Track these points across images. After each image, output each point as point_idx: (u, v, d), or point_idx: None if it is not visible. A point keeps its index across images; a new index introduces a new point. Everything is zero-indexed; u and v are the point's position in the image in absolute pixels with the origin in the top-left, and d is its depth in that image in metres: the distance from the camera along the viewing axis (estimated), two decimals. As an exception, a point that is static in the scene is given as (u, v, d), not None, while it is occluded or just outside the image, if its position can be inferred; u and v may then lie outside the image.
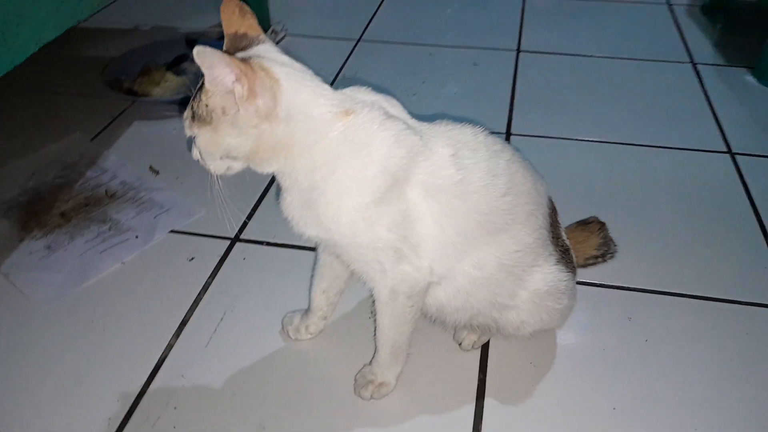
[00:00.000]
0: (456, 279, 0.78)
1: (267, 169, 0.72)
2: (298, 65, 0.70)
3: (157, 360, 0.93)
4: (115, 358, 0.94)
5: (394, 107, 0.75)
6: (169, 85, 1.58)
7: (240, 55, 0.68)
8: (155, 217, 1.19)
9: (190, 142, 0.73)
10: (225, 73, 0.62)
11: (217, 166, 0.72)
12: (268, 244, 1.14)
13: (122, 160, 1.35)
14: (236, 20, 0.71)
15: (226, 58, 0.61)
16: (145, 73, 1.60)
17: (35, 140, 1.41)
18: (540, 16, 2.05)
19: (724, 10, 2.05)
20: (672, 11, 2.07)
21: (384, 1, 2.14)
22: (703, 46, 1.85)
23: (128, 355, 0.94)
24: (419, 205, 0.72)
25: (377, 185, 0.69)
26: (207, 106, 0.66)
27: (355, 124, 0.69)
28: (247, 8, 0.72)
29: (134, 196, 1.25)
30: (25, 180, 1.29)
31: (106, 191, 1.26)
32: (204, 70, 0.62)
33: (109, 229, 1.17)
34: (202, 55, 0.60)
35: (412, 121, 0.75)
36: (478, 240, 0.76)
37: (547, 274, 0.82)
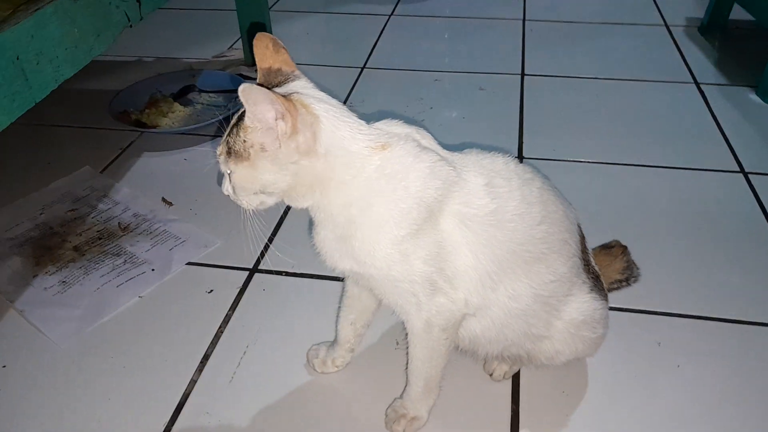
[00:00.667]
0: (491, 310, 0.77)
1: (302, 204, 0.71)
2: (334, 101, 0.70)
3: (180, 397, 0.91)
4: (137, 396, 0.92)
5: (425, 138, 0.75)
6: (177, 115, 1.58)
7: (278, 90, 0.67)
8: (171, 249, 1.18)
9: (219, 176, 0.72)
10: (268, 110, 0.61)
11: (250, 201, 0.71)
12: (287, 274, 1.13)
13: (134, 192, 1.34)
14: (270, 55, 0.71)
15: (270, 95, 0.60)
16: (152, 104, 1.59)
17: (45, 175, 1.39)
18: (540, 40, 2.07)
19: (722, 30, 2.08)
20: (670, 32, 2.10)
21: (385, 29, 2.16)
22: (704, 67, 1.86)
23: (150, 392, 0.92)
24: (454, 235, 0.72)
25: (413, 217, 0.68)
26: (245, 141, 0.65)
27: (391, 157, 0.68)
28: (280, 43, 0.72)
29: (148, 229, 1.23)
30: (36, 215, 1.27)
31: (119, 224, 1.25)
32: (247, 106, 0.62)
33: (124, 262, 1.15)
34: (247, 92, 0.59)
35: (444, 152, 0.75)
36: (513, 270, 0.75)
37: (582, 303, 0.81)
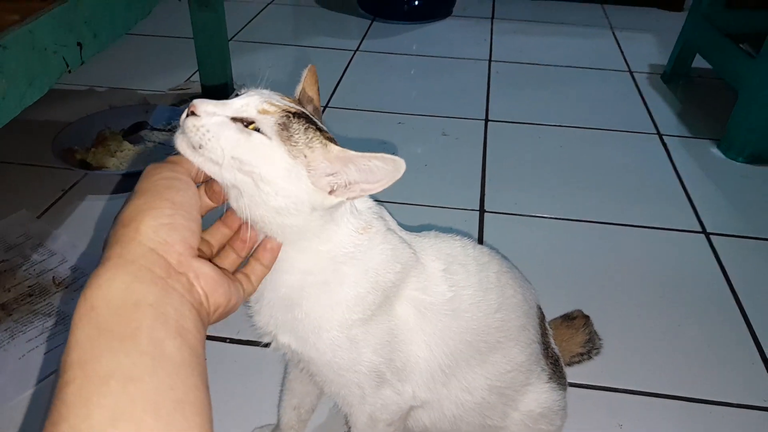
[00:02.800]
0: (442, 403, 0.72)
1: (264, 227, 0.57)
2: None
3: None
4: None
5: (386, 216, 0.70)
6: (126, 155, 1.50)
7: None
8: (107, 309, 1.09)
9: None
10: (361, 178, 0.56)
11: (217, 169, 0.53)
12: (232, 341, 1.06)
13: (73, 240, 1.25)
14: (311, 85, 0.65)
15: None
16: (99, 142, 1.51)
17: (-25, 218, 1.30)
18: (506, 82, 2.05)
19: (684, 78, 2.09)
20: (634, 79, 2.11)
21: (350, 65, 2.12)
22: (667, 117, 1.87)
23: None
24: (409, 323, 0.67)
25: (369, 301, 0.63)
26: (311, 140, 0.55)
27: (368, 239, 0.63)
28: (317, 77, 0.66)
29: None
30: (-39, 265, 1.18)
31: (53, 278, 1.16)
32: (366, 162, 0.55)
33: (56, 324, 1.06)
34: (394, 163, 0.54)
35: (403, 233, 0.70)
36: (468, 361, 0.70)
37: (541, 393, 0.77)
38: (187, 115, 0.53)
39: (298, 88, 0.64)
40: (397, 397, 0.69)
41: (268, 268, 0.59)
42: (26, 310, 1.09)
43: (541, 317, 0.81)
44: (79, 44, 1.03)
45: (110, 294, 0.41)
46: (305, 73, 0.65)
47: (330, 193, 0.56)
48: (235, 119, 0.53)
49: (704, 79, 2.10)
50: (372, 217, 0.64)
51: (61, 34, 0.97)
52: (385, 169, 0.55)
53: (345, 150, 0.55)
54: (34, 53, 0.92)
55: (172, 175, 0.51)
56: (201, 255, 0.50)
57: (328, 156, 0.55)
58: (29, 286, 1.14)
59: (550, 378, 0.78)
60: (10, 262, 1.20)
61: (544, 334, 0.81)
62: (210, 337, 1.05)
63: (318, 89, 0.66)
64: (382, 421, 0.70)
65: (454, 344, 0.69)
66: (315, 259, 0.61)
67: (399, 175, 0.55)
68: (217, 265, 0.51)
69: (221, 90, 1.79)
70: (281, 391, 0.87)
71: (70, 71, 1.01)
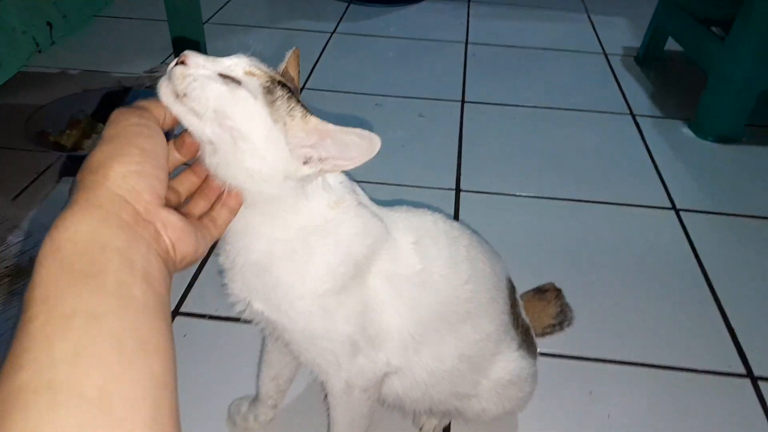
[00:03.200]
0: (414, 371, 0.74)
1: (232, 173, 0.56)
2: None
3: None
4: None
5: (358, 191, 0.71)
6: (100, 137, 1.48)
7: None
8: (85, 289, 1.10)
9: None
10: (339, 156, 0.57)
11: (197, 121, 0.53)
12: (211, 317, 1.07)
13: (48, 222, 1.24)
14: (294, 65, 0.64)
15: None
16: (73, 124, 1.49)
17: (-52, 201, 1.29)
18: (482, 65, 2.07)
19: (657, 61, 2.13)
20: (609, 61, 2.13)
21: (326, 47, 2.12)
22: (640, 98, 1.90)
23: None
24: (380, 294, 0.68)
25: (340, 273, 0.64)
26: (292, 109, 0.55)
27: (340, 214, 0.63)
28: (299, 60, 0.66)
29: (61, 265, 1.15)
30: (-65, 248, 1.17)
31: (29, 259, 1.16)
32: (345, 137, 0.56)
33: (32, 304, 1.06)
34: (369, 140, 0.55)
35: (374, 207, 0.71)
36: (438, 331, 0.72)
37: (510, 362, 0.79)
38: (176, 64, 0.53)
39: (281, 67, 0.64)
40: (372, 365, 0.70)
41: (234, 212, 0.57)
42: (4, 291, 1.09)
43: (511, 289, 0.83)
44: (49, 24, 1.02)
45: (76, 236, 0.40)
46: (289, 54, 0.65)
47: (304, 164, 0.57)
48: (222, 75, 0.54)
49: (676, 62, 2.13)
50: (344, 192, 0.65)
51: (30, 14, 0.96)
52: (360, 145, 0.56)
53: (324, 122, 0.56)
54: (2, 33, 0.91)
55: (140, 121, 0.49)
56: (168, 204, 0.49)
57: (306, 127, 0.56)
58: (6, 267, 1.14)
59: (520, 347, 0.81)
60: (-15, 244, 1.19)
61: (513, 305, 0.83)
62: (190, 314, 1.07)
63: (299, 72, 0.66)
64: (357, 388, 0.71)
65: (425, 314, 0.70)
66: (283, 227, 0.61)
67: (374, 153, 0.56)
68: (183, 214, 0.50)
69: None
70: (259, 363, 0.88)
71: (40, 51, 1.00)
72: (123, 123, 0.49)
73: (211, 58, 0.54)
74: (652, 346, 1.06)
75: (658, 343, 1.07)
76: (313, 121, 0.56)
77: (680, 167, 1.57)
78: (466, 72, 2.01)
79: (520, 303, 0.87)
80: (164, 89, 0.53)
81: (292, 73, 0.64)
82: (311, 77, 1.91)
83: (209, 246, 0.54)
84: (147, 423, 0.35)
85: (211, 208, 0.57)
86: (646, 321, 1.11)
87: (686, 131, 1.72)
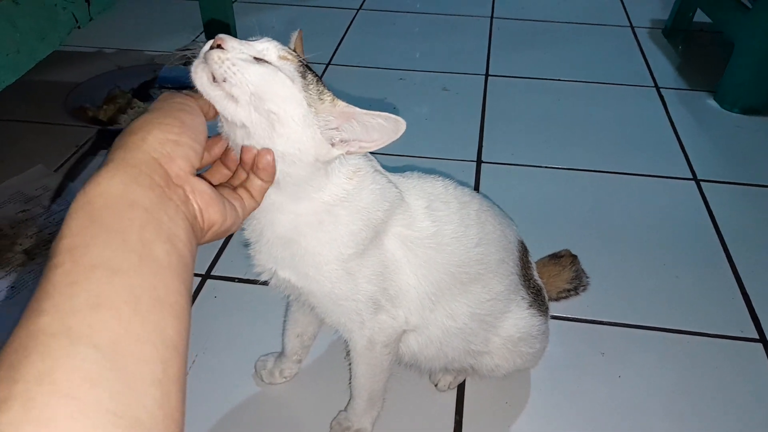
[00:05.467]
0: (429, 329, 0.78)
1: (271, 144, 0.57)
2: None
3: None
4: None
5: (370, 157, 0.75)
6: (136, 112, 1.55)
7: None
8: (123, 254, 1.16)
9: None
10: (364, 136, 0.60)
11: (233, 106, 0.54)
12: (240, 280, 1.13)
13: (87, 192, 1.31)
14: (300, 47, 0.67)
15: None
16: (110, 100, 1.56)
17: (-4, 172, 1.37)
18: (507, 39, 2.08)
19: (685, 33, 2.10)
20: (635, 34, 2.12)
21: (352, 24, 2.15)
22: (666, 70, 1.89)
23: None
24: (397, 255, 0.72)
25: (362, 237, 0.68)
26: (321, 93, 0.59)
27: (358, 183, 0.67)
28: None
29: (101, 232, 1.21)
30: (-15, 215, 1.25)
31: (71, 226, 1.23)
32: (372, 120, 0.59)
33: (75, 267, 1.13)
34: (393, 121, 0.58)
35: (389, 175, 0.75)
36: (451, 290, 0.76)
37: (519, 320, 0.83)
38: (211, 48, 0.54)
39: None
40: (392, 321, 0.75)
41: (269, 179, 0.58)
42: (48, 255, 1.16)
43: (523, 251, 0.87)
44: (87, 1, 1.07)
45: (108, 191, 0.42)
46: (294, 36, 0.67)
47: (331, 146, 0.60)
48: (256, 59, 0.55)
49: (704, 33, 2.11)
50: (359, 160, 0.68)
51: (69, -10, 1.02)
52: (386, 128, 0.59)
53: (350, 106, 0.59)
54: (44, 9, 0.97)
55: (185, 100, 0.52)
56: None
57: (334, 111, 0.59)
58: (49, 233, 1.21)
59: (531, 305, 0.84)
60: (31, 212, 1.27)
61: (525, 267, 0.86)
62: (220, 277, 1.13)
63: (303, 52, 0.68)
64: (379, 343, 0.76)
65: (438, 275, 0.75)
66: (309, 204, 0.65)
67: (398, 135, 0.59)
68: (214, 187, 0.51)
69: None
70: (284, 322, 0.94)
71: (79, 27, 1.06)
72: (169, 99, 0.52)
73: (244, 42, 0.56)
74: (666, 312, 1.09)
75: (672, 309, 1.09)
76: (341, 104, 0.60)
77: (703, 138, 1.57)
78: (491, 46, 2.02)
79: (533, 265, 0.91)
80: (200, 73, 0.54)
81: (299, 50, 0.67)
82: (337, 53, 1.94)
83: (247, 215, 0.57)
84: (153, 382, 0.36)
85: (245, 180, 0.58)
86: (662, 287, 1.14)
87: (711, 103, 1.72)
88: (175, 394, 0.37)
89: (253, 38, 0.60)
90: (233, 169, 0.60)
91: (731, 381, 0.97)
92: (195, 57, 0.56)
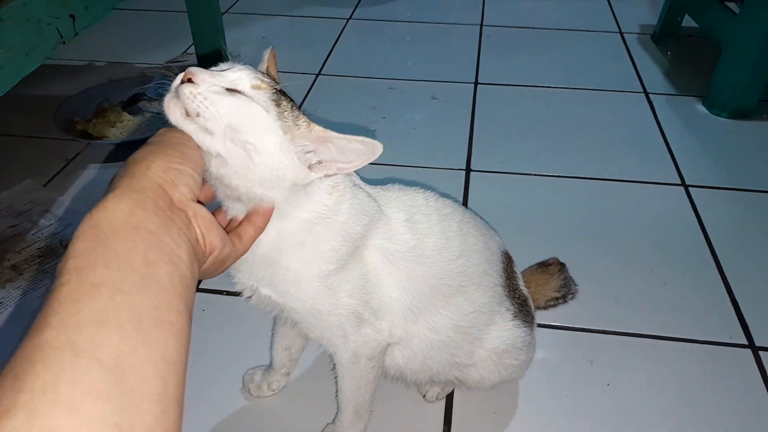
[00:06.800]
0: (413, 342, 0.78)
1: (241, 187, 0.59)
2: None
3: (113, 424, 0.90)
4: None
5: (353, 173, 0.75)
6: (126, 125, 1.55)
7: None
8: (111, 268, 1.16)
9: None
10: (342, 161, 0.61)
11: (209, 138, 0.55)
12: (228, 293, 1.13)
13: (77, 207, 1.32)
14: (273, 65, 0.68)
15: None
16: (99, 113, 1.56)
17: (-16, 187, 1.37)
18: (496, 46, 2.08)
19: (674, 39, 2.11)
20: (624, 40, 2.13)
21: (342, 33, 2.15)
22: (654, 76, 1.90)
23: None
24: (378, 268, 0.72)
25: (342, 253, 0.68)
26: (297, 119, 0.59)
27: (338, 198, 0.67)
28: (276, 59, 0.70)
29: (89, 246, 1.21)
30: (-27, 231, 1.25)
31: (60, 241, 1.23)
32: (345, 144, 0.59)
33: (63, 282, 1.13)
34: (369, 145, 0.59)
35: (368, 187, 0.75)
36: (433, 303, 0.76)
37: (504, 331, 0.83)
38: (182, 82, 0.54)
39: (261, 67, 0.66)
40: (376, 334, 0.75)
41: (260, 230, 0.61)
42: (36, 270, 1.16)
43: (507, 262, 0.86)
44: (72, 16, 1.08)
45: (113, 215, 0.44)
46: (267, 54, 0.67)
47: (309, 169, 0.61)
48: (229, 90, 0.56)
49: (693, 39, 2.12)
50: (338, 176, 0.67)
51: (54, 6, 1.02)
52: (362, 151, 0.59)
53: (327, 131, 0.60)
54: (29, 25, 0.98)
55: (184, 136, 0.54)
56: None
57: (310, 136, 0.59)
58: (38, 248, 1.21)
59: (515, 316, 0.84)
60: (20, 227, 1.27)
61: (510, 277, 0.86)
62: (208, 290, 1.13)
63: (277, 71, 0.69)
64: (364, 356, 0.76)
65: (419, 287, 0.75)
66: (290, 223, 0.65)
67: (375, 157, 0.59)
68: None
69: (215, 62, 1.83)
70: (272, 335, 0.94)
71: (64, 42, 1.06)
72: (169, 134, 0.54)
73: (215, 73, 0.57)
74: (654, 319, 1.09)
75: (660, 316, 1.09)
76: (318, 129, 0.60)
77: (692, 143, 1.58)
78: (480, 54, 2.03)
79: (519, 275, 0.91)
80: (173, 108, 0.54)
81: (272, 73, 0.68)
82: (327, 63, 1.95)
83: (236, 258, 0.58)
84: (153, 399, 0.37)
85: (238, 225, 0.60)
86: (650, 294, 1.14)
87: (700, 108, 1.72)
88: (173, 411, 0.39)
89: (225, 66, 0.60)
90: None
91: (721, 387, 0.97)
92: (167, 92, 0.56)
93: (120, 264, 0.41)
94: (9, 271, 1.16)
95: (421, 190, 0.77)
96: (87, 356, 0.35)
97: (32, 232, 1.26)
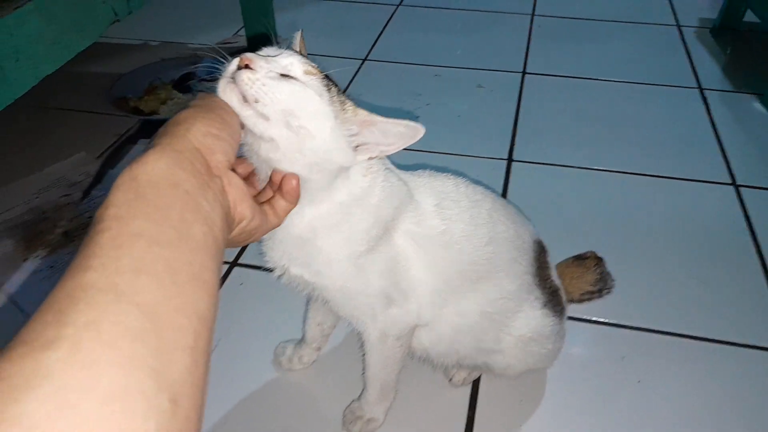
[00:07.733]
0: (440, 325, 0.79)
1: (293, 167, 0.59)
2: None
3: (150, 387, 0.94)
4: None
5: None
6: (176, 103, 1.60)
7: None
8: (155, 239, 1.20)
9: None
10: (382, 142, 0.62)
11: (264, 124, 0.56)
12: (265, 269, 1.15)
13: (126, 179, 1.36)
14: (303, 49, 0.69)
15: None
16: (150, 91, 1.61)
17: (41, 158, 1.43)
18: (547, 37, 2.05)
19: (733, 33, 2.04)
20: (681, 33, 2.06)
21: (390, 21, 2.15)
22: (711, 71, 1.84)
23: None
24: (407, 251, 0.73)
25: (373, 235, 0.69)
26: (344, 104, 0.61)
27: (371, 181, 0.68)
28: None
29: (136, 218, 1.26)
30: (30, 199, 1.31)
31: (108, 212, 1.28)
32: (392, 128, 0.61)
33: (110, 251, 1.18)
34: (413, 129, 0.61)
35: (398, 171, 0.75)
36: (461, 288, 0.77)
37: (532, 319, 0.82)
38: (238, 68, 0.55)
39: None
40: (404, 314, 0.76)
41: (293, 202, 0.60)
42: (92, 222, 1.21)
43: (540, 251, 0.86)
44: (126, -5, 1.11)
45: (153, 170, 0.44)
46: (297, 37, 0.68)
47: (354, 151, 0.62)
48: (283, 75, 0.57)
49: (755, 35, 2.03)
50: (372, 161, 0.68)
51: (109, -16, 1.05)
52: (404, 134, 0.61)
53: (371, 114, 0.62)
54: (82, 2, 1.01)
55: (225, 103, 0.55)
56: None
57: (356, 119, 0.61)
58: (89, 217, 1.26)
59: (544, 305, 0.84)
60: (72, 196, 1.32)
61: (542, 267, 0.85)
62: (246, 265, 1.16)
63: (306, 54, 0.68)
64: (391, 336, 0.77)
65: (447, 272, 0.75)
66: (327, 206, 0.66)
67: (416, 140, 0.61)
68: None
69: (263, 45, 1.86)
70: (306, 310, 0.96)
71: (118, 20, 1.09)
72: (210, 97, 0.55)
73: (270, 59, 0.58)
74: (691, 318, 1.06)
75: (698, 316, 1.07)
76: (363, 113, 0.62)
77: (745, 141, 1.52)
78: (530, 44, 2.00)
79: (552, 266, 0.90)
80: (230, 93, 0.55)
81: (303, 52, 0.68)
82: (374, 49, 1.95)
83: (267, 230, 0.59)
84: (186, 349, 0.37)
85: (272, 197, 0.61)
86: (690, 293, 1.11)
87: (757, 106, 1.66)
88: (203, 365, 0.40)
89: (272, 51, 0.61)
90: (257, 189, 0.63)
91: (757, 392, 0.94)
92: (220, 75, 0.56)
93: (157, 218, 0.42)
94: (60, 238, 1.22)
95: (452, 177, 0.78)
96: (127, 300, 0.36)
97: (84, 201, 1.31)
